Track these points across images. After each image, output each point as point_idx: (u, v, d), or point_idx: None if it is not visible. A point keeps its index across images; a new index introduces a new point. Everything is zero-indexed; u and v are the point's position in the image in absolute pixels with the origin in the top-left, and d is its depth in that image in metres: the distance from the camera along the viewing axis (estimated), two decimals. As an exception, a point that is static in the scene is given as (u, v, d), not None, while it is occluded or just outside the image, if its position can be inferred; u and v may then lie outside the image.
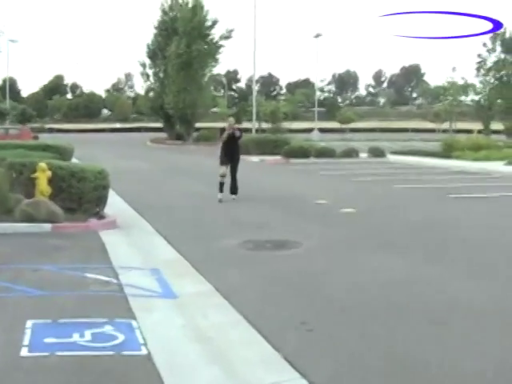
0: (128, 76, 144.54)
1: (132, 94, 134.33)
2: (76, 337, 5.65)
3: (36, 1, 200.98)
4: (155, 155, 40.77)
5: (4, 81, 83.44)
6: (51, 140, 28.60)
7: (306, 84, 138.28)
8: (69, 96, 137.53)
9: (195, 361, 5.29)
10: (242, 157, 17.56)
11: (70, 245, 9.95)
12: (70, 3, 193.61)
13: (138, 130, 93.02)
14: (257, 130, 56.85)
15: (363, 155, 35.08)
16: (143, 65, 63.15)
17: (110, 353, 5.32)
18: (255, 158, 32.56)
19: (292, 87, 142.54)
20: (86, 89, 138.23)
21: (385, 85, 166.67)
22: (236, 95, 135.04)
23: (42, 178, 11.88)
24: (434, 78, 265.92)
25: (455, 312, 6.78)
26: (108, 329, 5.89)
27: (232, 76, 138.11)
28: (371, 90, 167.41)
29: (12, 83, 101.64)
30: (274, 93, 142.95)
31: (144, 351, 5.41)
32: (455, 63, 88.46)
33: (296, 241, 10.64)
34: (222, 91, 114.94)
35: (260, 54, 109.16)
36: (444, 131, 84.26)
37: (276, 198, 17.09)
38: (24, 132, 46.49)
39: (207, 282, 7.87)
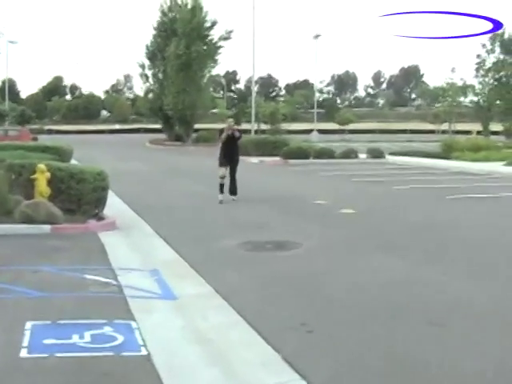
0: (127, 77, 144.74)
1: (131, 95, 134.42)
2: (75, 338, 5.65)
3: (35, 2, 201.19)
4: (154, 156, 40.75)
5: (3, 82, 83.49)
6: (50, 141, 28.69)
7: (305, 85, 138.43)
8: (68, 97, 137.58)
9: (195, 362, 5.29)
10: (241, 158, 17.56)
11: (69, 246, 9.94)
12: (69, 4, 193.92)
13: (137, 131, 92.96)
14: (256, 131, 56.86)
15: (362, 156, 35.07)
16: (142, 66, 63.09)
17: (110, 354, 5.31)
18: (254, 159, 32.53)
19: (291, 88, 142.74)
20: (85, 90, 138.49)
21: (384, 86, 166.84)
22: (235, 96, 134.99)
23: (42, 180, 11.88)
24: (433, 78, 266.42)
25: (455, 312, 6.77)
26: (107, 330, 5.88)
27: (231, 77, 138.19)
28: (370, 91, 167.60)
29: (11, 84, 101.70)
30: (273, 94, 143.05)
31: (143, 352, 5.40)
32: (454, 64, 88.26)
33: (296, 241, 10.63)
34: (222, 92, 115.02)
35: (259, 55, 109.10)
36: (443, 132, 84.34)
37: (275, 199, 17.09)
38: (23, 133, 46.50)
39: (207, 283, 7.86)
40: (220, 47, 57.56)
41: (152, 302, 7.06)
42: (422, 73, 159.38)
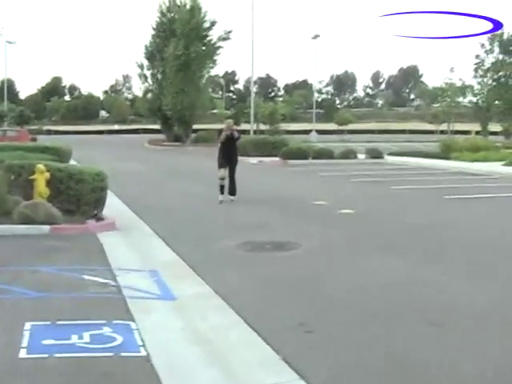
0: (126, 77, 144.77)
1: (130, 96, 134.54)
2: (74, 338, 5.64)
3: (34, 2, 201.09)
4: (153, 157, 40.75)
5: (2, 82, 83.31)
6: (49, 142, 28.67)
7: (304, 85, 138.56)
8: (67, 98, 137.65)
9: (194, 362, 5.28)
10: (240, 158, 17.56)
11: (68, 247, 9.93)
12: (68, 5, 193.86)
13: (136, 131, 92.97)
14: (255, 132, 56.85)
15: (361, 156, 35.06)
16: (141, 66, 63.12)
17: (109, 354, 5.31)
18: (253, 160, 32.54)
19: (290, 89, 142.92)
20: (84, 90, 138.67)
21: (383, 86, 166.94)
22: (234, 97, 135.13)
23: (41, 180, 11.88)
24: (432, 79, 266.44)
25: (455, 312, 6.77)
26: (106, 330, 5.88)
27: (230, 77, 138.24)
28: (369, 91, 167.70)
29: (10, 85, 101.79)
30: (272, 94, 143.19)
31: (143, 353, 5.40)
32: (453, 64, 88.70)
33: (295, 242, 10.63)
34: (220, 93, 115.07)
35: (258, 55, 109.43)
36: (442, 132, 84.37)
37: (275, 199, 17.08)
38: (22, 134, 46.47)
39: (206, 283, 7.86)
40: (219, 47, 57.62)
41: (151, 302, 7.06)
42: (420, 73, 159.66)
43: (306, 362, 5.25)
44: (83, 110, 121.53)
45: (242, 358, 5.42)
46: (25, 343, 5.52)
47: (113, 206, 13.81)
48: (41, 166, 12.02)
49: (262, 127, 72.22)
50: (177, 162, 34.87)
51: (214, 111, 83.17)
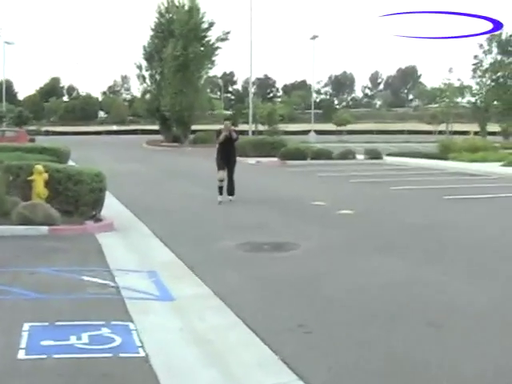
0: (124, 78, 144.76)
1: (128, 97, 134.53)
2: (73, 339, 5.63)
3: (32, 3, 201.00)
4: (152, 157, 40.74)
5: (0, 83, 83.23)
6: (48, 142, 28.62)
7: (303, 86, 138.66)
8: (65, 98, 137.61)
9: (193, 363, 5.27)
10: (238, 159, 17.55)
11: (66, 247, 9.91)
12: (67, 5, 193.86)
13: (135, 132, 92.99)
14: (253, 132, 56.85)
15: (360, 157, 35.06)
16: (139, 67, 63.16)
17: (108, 355, 5.30)
18: (252, 160, 32.55)
19: (288, 89, 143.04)
20: (83, 91, 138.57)
21: (381, 86, 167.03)
22: (232, 97, 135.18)
23: (39, 181, 11.87)
24: (431, 79, 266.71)
25: (455, 312, 6.77)
26: (105, 331, 5.86)
27: (228, 78, 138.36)
28: (367, 91, 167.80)
29: (8, 86, 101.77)
30: (271, 95, 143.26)
31: (141, 353, 5.38)
32: (452, 65, 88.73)
33: (294, 242, 10.62)
34: (219, 93, 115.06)
35: (256, 55, 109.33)
36: (440, 133, 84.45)
37: (273, 200, 17.07)
38: (20, 135, 46.42)
39: (205, 284, 7.84)
40: (217, 48, 57.64)
41: (150, 303, 7.04)
42: (419, 73, 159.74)
43: (306, 363, 5.24)
44: (81, 110, 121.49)
45: (240, 358, 5.41)
46: (23, 344, 5.50)
47: (111, 206, 13.79)
48: (39, 167, 12.00)
49: (261, 128, 72.29)
50: (175, 163, 34.87)
51: (215, 112, 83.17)
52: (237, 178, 16.73)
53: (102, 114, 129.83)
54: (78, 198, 12.11)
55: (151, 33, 61.43)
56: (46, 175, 11.95)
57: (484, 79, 67.64)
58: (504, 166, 28.83)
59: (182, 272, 8.61)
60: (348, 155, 34.64)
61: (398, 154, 38.10)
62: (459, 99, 78.31)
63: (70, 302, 6.89)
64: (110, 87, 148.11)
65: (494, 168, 27.80)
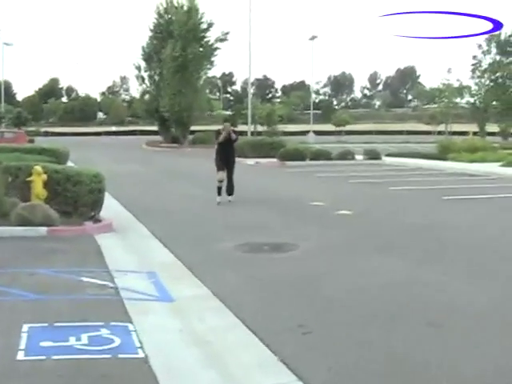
0: (123, 79, 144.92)
1: (127, 97, 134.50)
2: (72, 340, 5.62)
3: (31, 4, 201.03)
4: (151, 158, 40.72)
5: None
6: (47, 143, 28.63)
7: (302, 86, 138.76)
8: (64, 99, 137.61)
9: (192, 364, 5.26)
10: (237, 159, 17.53)
11: (65, 248, 9.90)
12: (65, 6, 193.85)
13: (134, 133, 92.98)
14: (252, 133, 56.84)
15: (359, 157, 35.05)
16: (138, 68, 63.11)
17: (107, 356, 5.29)
18: (251, 161, 32.53)
19: (287, 90, 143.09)
20: (82, 92, 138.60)
21: (380, 87, 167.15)
22: (231, 98, 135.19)
23: (38, 182, 11.85)
24: (430, 80, 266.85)
25: (455, 312, 6.76)
26: (104, 332, 5.85)
27: (227, 79, 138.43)
28: (366, 92, 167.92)
29: (7, 86, 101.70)
30: (270, 95, 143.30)
31: (141, 354, 5.37)
32: (450, 65, 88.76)
33: (293, 243, 10.61)
34: (218, 94, 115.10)
35: (255, 56, 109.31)
36: (439, 133, 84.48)
37: (273, 201, 17.06)
38: (19, 135, 46.48)
39: (204, 285, 7.83)
40: (216, 49, 57.61)
41: (149, 304, 7.03)
42: (418, 74, 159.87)
43: (305, 363, 5.23)
44: (80, 111, 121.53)
45: (240, 359, 5.40)
46: (23, 345, 5.49)
47: (110, 207, 13.78)
48: (38, 168, 11.99)
49: (260, 128, 72.25)
50: (174, 164, 34.86)
51: (214, 113, 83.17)
52: (236, 178, 16.72)
53: (100, 114, 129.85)
54: (76, 199, 12.10)
55: (150, 33, 61.41)
56: (44, 176, 11.94)
57: (483, 79, 67.65)
58: (503, 166, 28.83)
59: (181, 273, 8.60)
60: (347, 156, 34.63)
61: (397, 155, 38.08)
62: (458, 99, 78.35)
63: (70, 302, 6.88)
64: (108, 88, 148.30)
65: (493, 168, 27.80)
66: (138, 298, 7.17)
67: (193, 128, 60.02)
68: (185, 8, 56.52)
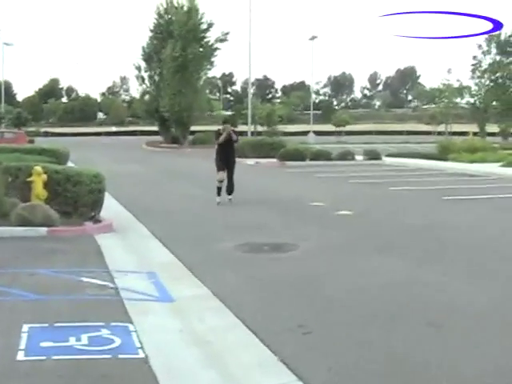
0: (123, 79, 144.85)
1: (127, 98, 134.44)
2: (72, 341, 5.61)
3: (31, 4, 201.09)
4: (151, 158, 40.72)
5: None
6: (47, 144, 28.63)
7: (302, 87, 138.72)
8: (64, 99, 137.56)
9: (192, 364, 5.26)
10: (237, 160, 17.52)
11: (66, 249, 9.90)
12: (65, 6, 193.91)
13: (134, 133, 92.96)
14: (252, 133, 56.85)
15: (359, 158, 35.04)
16: (138, 68, 63.12)
17: (107, 356, 5.28)
18: (251, 161, 32.53)
19: (287, 90, 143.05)
20: (82, 92, 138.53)
21: (380, 87, 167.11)
22: (231, 98, 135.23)
23: (38, 182, 11.85)
24: (430, 80, 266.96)
25: (455, 313, 6.76)
26: (104, 332, 5.85)
27: (227, 79, 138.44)
28: (366, 92, 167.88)
29: (7, 87, 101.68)
30: (270, 96, 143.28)
31: (141, 355, 5.37)
32: (450, 65, 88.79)
33: (293, 243, 10.61)
34: (218, 94, 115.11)
35: (255, 56, 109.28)
36: (439, 133, 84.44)
37: (273, 201, 17.06)
38: (19, 136, 46.49)
39: (204, 285, 7.83)
40: (216, 49, 57.63)
41: (149, 304, 7.03)
42: (418, 74, 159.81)
43: (305, 363, 5.23)
44: (80, 111, 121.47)
45: (240, 359, 5.40)
46: (23, 345, 5.49)
47: (110, 207, 13.78)
48: (38, 168, 11.99)
49: (260, 129, 72.31)
50: (174, 164, 34.86)
51: (215, 114, 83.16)
52: (236, 178, 16.72)
53: (100, 115, 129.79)
54: (77, 199, 12.10)
55: (150, 34, 61.43)
56: (44, 176, 11.94)
57: (483, 80, 67.63)
58: (503, 166, 28.83)
59: (181, 273, 8.60)
60: (347, 156, 34.62)
61: (397, 155, 38.08)
62: (458, 100, 78.32)
63: (70, 303, 6.88)
64: (108, 88, 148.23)
65: (493, 168, 27.80)
66: (138, 299, 7.17)
67: (193, 128, 60.03)
68: (185, 8, 56.54)
